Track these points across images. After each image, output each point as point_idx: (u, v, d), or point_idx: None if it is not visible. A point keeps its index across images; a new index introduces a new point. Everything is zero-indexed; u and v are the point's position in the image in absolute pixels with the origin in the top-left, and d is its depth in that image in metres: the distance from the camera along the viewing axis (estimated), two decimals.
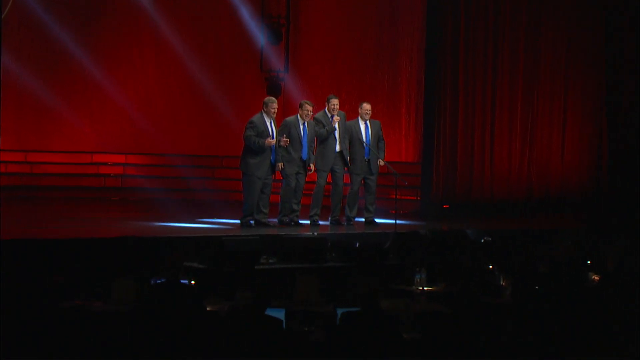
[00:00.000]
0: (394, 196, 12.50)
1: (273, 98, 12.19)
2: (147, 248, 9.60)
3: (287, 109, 15.60)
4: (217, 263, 9.49)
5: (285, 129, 12.04)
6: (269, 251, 10.09)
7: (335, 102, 12.39)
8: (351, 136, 12.49)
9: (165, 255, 9.30)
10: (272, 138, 11.81)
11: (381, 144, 12.60)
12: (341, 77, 16.50)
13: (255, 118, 11.87)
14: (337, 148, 12.39)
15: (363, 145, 12.44)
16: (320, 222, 12.40)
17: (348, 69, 16.41)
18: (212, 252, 9.66)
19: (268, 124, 11.84)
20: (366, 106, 12.59)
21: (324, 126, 12.29)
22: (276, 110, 11.90)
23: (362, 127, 12.55)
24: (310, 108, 12.15)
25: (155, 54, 17.30)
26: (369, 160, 12.52)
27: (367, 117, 12.53)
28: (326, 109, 12.39)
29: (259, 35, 16.86)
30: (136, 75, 17.29)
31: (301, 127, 12.14)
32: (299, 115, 12.15)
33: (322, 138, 12.27)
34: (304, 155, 12.18)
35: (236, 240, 10.01)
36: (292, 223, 12.07)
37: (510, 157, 15.66)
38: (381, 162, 12.52)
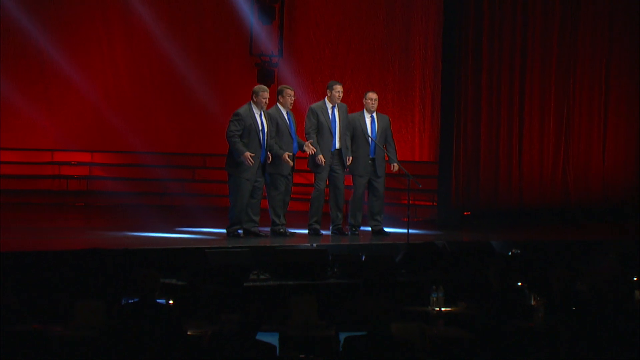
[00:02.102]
0: (406, 201, 12.49)
1: (264, 86, 12.19)
2: (116, 262, 9.60)
3: None
4: (199, 280, 9.49)
5: (273, 122, 11.98)
6: (260, 266, 10.09)
7: (339, 88, 12.32)
8: (354, 131, 12.47)
9: (138, 271, 9.26)
10: (263, 133, 11.79)
11: (390, 142, 12.58)
12: (344, 62, 16.53)
13: (242, 110, 11.84)
14: (337, 145, 12.40)
15: (368, 141, 12.43)
16: (321, 232, 12.38)
17: (353, 52, 16.45)
18: (194, 267, 9.67)
19: (257, 116, 11.82)
20: (371, 95, 12.55)
21: (318, 120, 12.21)
22: (267, 100, 11.90)
23: (368, 120, 12.53)
24: (292, 92, 12.13)
25: (125, 34, 17.33)
26: (374, 159, 12.51)
27: (373, 108, 12.47)
28: (327, 99, 12.36)
29: (248, 14, 16.88)
30: (103, 60, 17.31)
31: (286, 117, 12.14)
32: (279, 103, 12.13)
33: (308, 135, 12.20)
34: (294, 149, 12.18)
35: (221, 252, 10.02)
36: (288, 234, 12.07)
37: (542, 157, 15.67)
38: (395, 167, 12.47)
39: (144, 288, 7.06)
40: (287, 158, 11.87)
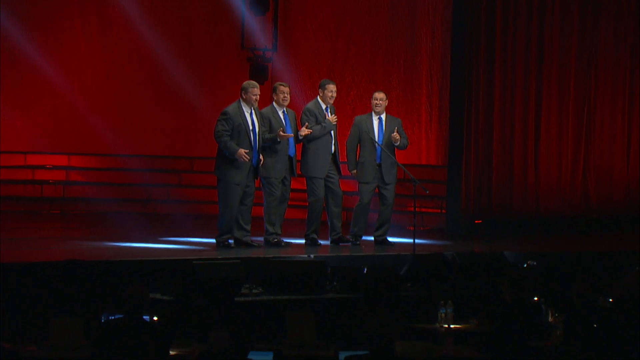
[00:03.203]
0: (412, 208, 12.50)
1: (254, 82, 12.18)
2: (96, 276, 9.61)
3: None
4: (186, 294, 9.50)
5: (265, 122, 12.01)
6: (252, 279, 10.10)
7: (332, 88, 12.37)
8: (360, 134, 12.50)
9: (119, 285, 9.29)
10: (254, 133, 11.81)
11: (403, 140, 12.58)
12: (344, 57, 16.52)
13: (231, 108, 11.84)
14: (332, 149, 12.41)
15: (375, 145, 12.47)
16: (319, 242, 12.38)
17: (353, 46, 16.44)
18: (180, 280, 9.67)
19: (247, 115, 11.83)
20: (378, 95, 12.58)
21: (317, 121, 12.27)
22: (258, 97, 11.91)
23: (375, 122, 12.57)
24: (286, 89, 12.17)
25: (104, 25, 17.30)
26: (380, 165, 12.53)
27: (380, 109, 12.51)
28: (319, 98, 12.39)
29: (239, 3, 16.90)
30: (79, 54, 17.29)
31: (281, 116, 12.17)
32: (274, 102, 12.17)
33: (315, 136, 12.24)
34: (292, 152, 12.19)
35: (210, 264, 10.02)
36: (282, 244, 12.09)
37: (561, 160, 15.67)
38: (396, 136, 12.33)
39: (126, 304, 7.06)
40: (283, 133, 11.85)
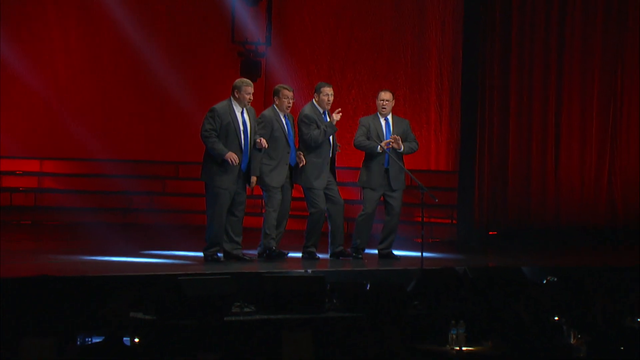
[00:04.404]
0: (420, 218, 12.51)
1: (247, 80, 12.19)
2: (70, 293, 9.60)
3: (270, 95, 15.60)
4: (171, 313, 9.49)
5: (268, 126, 12.07)
6: (244, 296, 10.09)
7: (329, 91, 12.39)
8: (368, 137, 12.52)
9: (97, 303, 9.29)
10: (245, 134, 11.80)
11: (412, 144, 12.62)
12: (346, 52, 16.55)
13: (219, 106, 11.82)
14: (330, 153, 12.44)
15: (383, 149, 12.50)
16: (318, 256, 12.41)
17: (355, 40, 16.47)
18: (164, 298, 9.66)
19: (238, 114, 11.82)
20: (383, 95, 12.59)
21: (317, 125, 12.27)
22: (252, 97, 11.92)
23: (382, 124, 12.59)
24: (290, 94, 12.19)
25: (81, 16, 17.33)
26: (387, 170, 12.56)
27: (385, 111, 12.54)
28: (315, 101, 12.40)
29: None
30: (53, 48, 17.32)
31: (284, 121, 12.21)
32: (275, 105, 12.20)
33: (317, 142, 12.24)
34: (292, 160, 12.22)
35: (198, 280, 10.00)
36: (281, 256, 12.10)
37: (584, 166, 15.71)
38: (396, 139, 12.34)
39: (105, 324, 7.07)
40: (263, 142, 11.84)
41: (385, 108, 12.53)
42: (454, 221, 15.26)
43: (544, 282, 11.23)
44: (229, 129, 11.76)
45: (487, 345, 8.85)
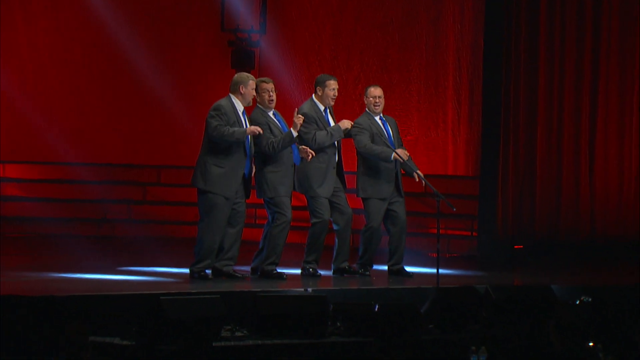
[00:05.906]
0: (436, 230, 12.50)
1: (250, 74, 12.17)
2: (37, 314, 9.57)
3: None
4: (152, 338, 9.47)
5: (267, 130, 12.03)
6: (235, 319, 10.09)
7: (334, 85, 12.35)
8: (373, 138, 12.49)
9: (66, 326, 9.25)
10: (247, 138, 11.74)
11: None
12: (351, 40, 16.55)
13: (224, 102, 11.79)
14: (335, 158, 12.44)
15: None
16: (320, 272, 12.39)
17: (362, 27, 16.48)
18: (144, 321, 9.65)
19: (240, 114, 11.83)
20: (374, 92, 12.58)
21: (317, 125, 12.24)
22: (254, 94, 11.92)
23: (380, 124, 12.59)
24: (270, 87, 12.09)
25: (48, 6, 17.32)
26: (396, 174, 12.57)
27: (378, 109, 12.56)
28: (315, 98, 12.39)
29: None
30: (18, 39, 17.34)
31: (275, 119, 12.15)
32: (258, 104, 12.13)
33: (320, 145, 12.20)
34: (296, 161, 12.17)
35: (183, 301, 10.02)
36: (283, 277, 12.08)
37: (622, 172, 15.71)
38: (419, 174, 12.42)
39: (74, 349, 7.03)
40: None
41: (378, 106, 12.55)
42: (474, 233, 15.33)
43: (577, 302, 11.25)
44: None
45: None
